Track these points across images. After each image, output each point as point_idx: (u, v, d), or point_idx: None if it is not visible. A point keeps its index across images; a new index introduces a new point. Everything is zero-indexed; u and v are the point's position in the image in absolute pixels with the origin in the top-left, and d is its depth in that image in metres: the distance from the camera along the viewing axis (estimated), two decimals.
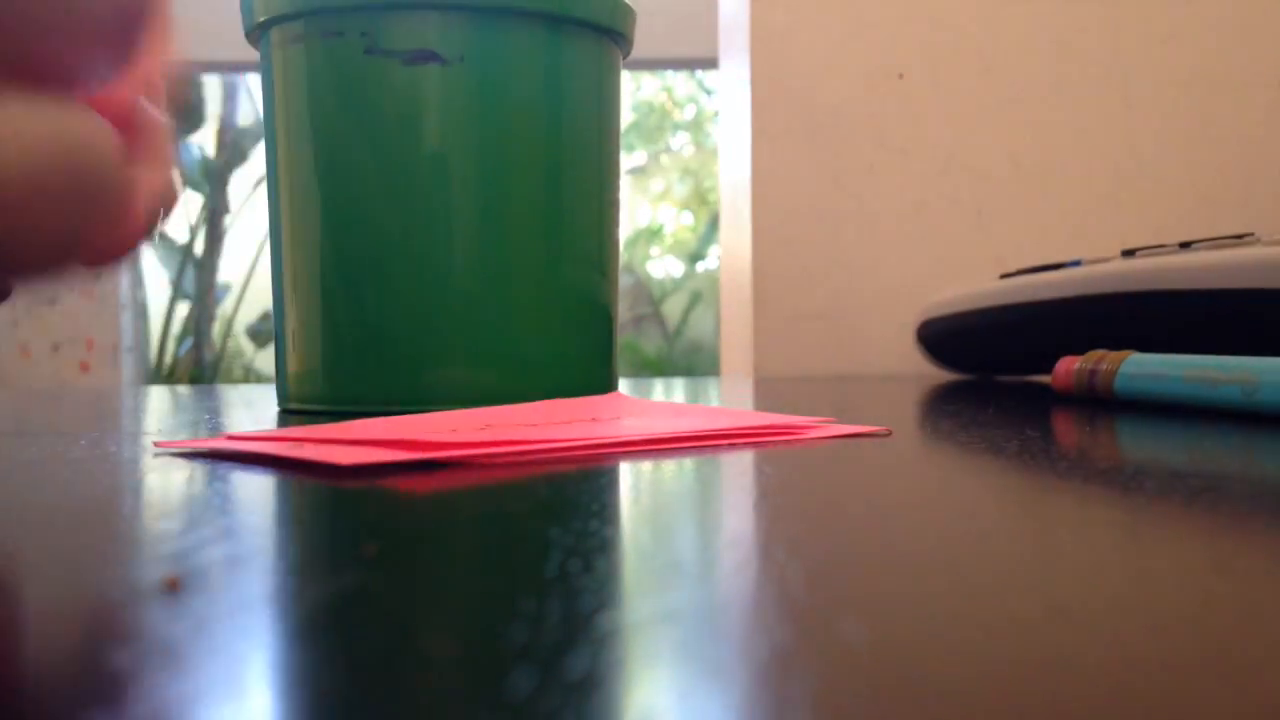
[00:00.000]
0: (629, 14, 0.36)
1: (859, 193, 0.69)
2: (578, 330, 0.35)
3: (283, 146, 0.34)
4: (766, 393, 0.42)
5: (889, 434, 0.25)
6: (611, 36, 0.36)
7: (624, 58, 0.37)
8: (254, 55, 2.34)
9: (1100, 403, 0.34)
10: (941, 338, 0.55)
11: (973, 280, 0.56)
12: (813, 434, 0.24)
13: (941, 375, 0.58)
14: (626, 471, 0.19)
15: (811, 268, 0.69)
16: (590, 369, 0.35)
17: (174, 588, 0.11)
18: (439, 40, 0.32)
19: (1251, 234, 0.39)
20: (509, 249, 0.33)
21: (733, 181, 0.76)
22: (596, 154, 0.35)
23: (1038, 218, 0.69)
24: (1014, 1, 0.69)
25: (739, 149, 0.73)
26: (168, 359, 2.52)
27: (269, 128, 0.35)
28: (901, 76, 0.69)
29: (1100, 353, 0.34)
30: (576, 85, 0.34)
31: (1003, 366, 0.54)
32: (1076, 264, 0.46)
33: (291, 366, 0.34)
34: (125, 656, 0.08)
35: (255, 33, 0.35)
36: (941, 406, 0.34)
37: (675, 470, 0.19)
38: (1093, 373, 0.34)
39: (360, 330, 0.33)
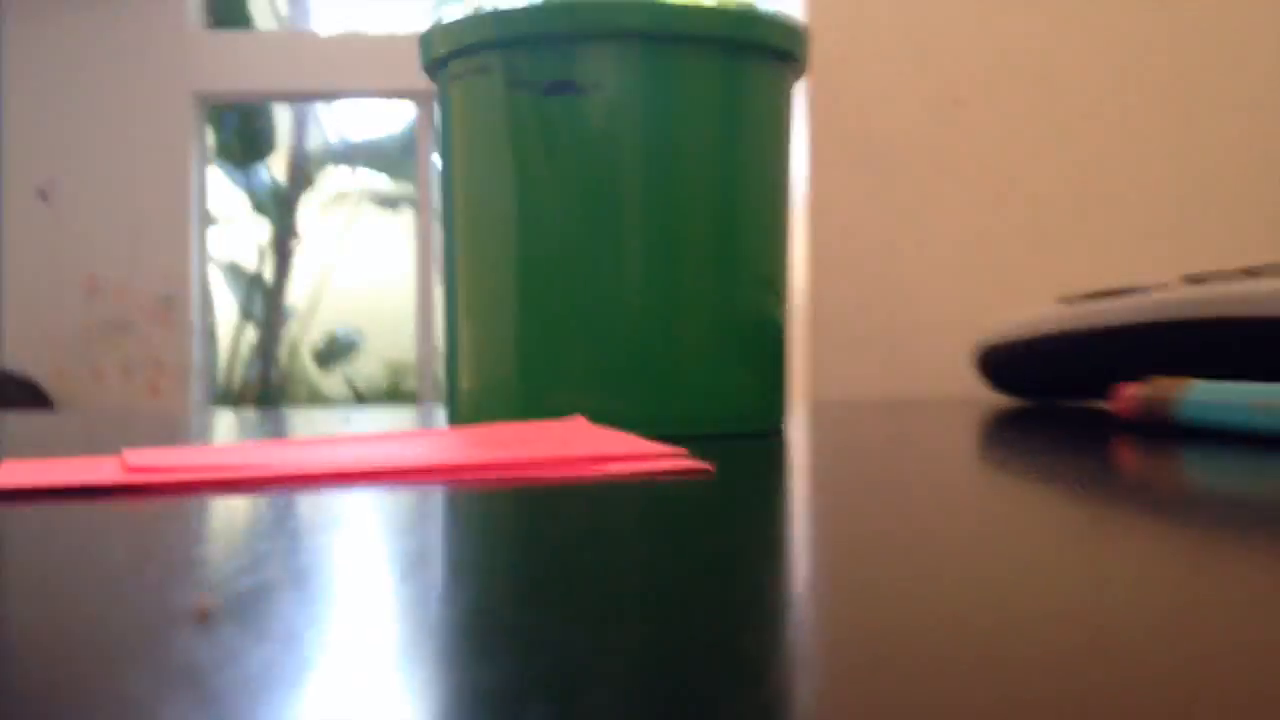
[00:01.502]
0: (803, 35, 0.36)
1: (917, 219, 0.69)
2: (751, 358, 0.35)
3: (463, 177, 0.35)
4: (821, 417, 0.42)
5: (710, 472, 0.22)
6: (786, 60, 0.36)
7: (796, 79, 0.37)
8: (322, 84, 2.39)
9: (1163, 431, 0.33)
10: (1002, 363, 0.55)
11: (1032, 306, 0.55)
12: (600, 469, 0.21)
13: (998, 400, 0.57)
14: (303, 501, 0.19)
15: (868, 294, 0.69)
16: (761, 397, 0.35)
17: (205, 617, 0.11)
18: (611, 71, 0.33)
19: None
20: (681, 275, 0.33)
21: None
22: (771, 179, 0.36)
23: (1098, 244, 0.68)
24: (1072, 27, 0.68)
25: (796, 175, 0.73)
26: (235, 381, 2.58)
27: (446, 158, 0.36)
28: (959, 103, 0.69)
29: (1163, 379, 0.34)
30: (751, 110, 0.35)
31: (1063, 392, 0.53)
32: (1143, 291, 0.45)
33: (464, 385, 0.35)
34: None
35: (433, 66, 0.36)
36: (1000, 432, 0.34)
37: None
38: (1155, 400, 0.34)
39: (532, 353, 0.33)
